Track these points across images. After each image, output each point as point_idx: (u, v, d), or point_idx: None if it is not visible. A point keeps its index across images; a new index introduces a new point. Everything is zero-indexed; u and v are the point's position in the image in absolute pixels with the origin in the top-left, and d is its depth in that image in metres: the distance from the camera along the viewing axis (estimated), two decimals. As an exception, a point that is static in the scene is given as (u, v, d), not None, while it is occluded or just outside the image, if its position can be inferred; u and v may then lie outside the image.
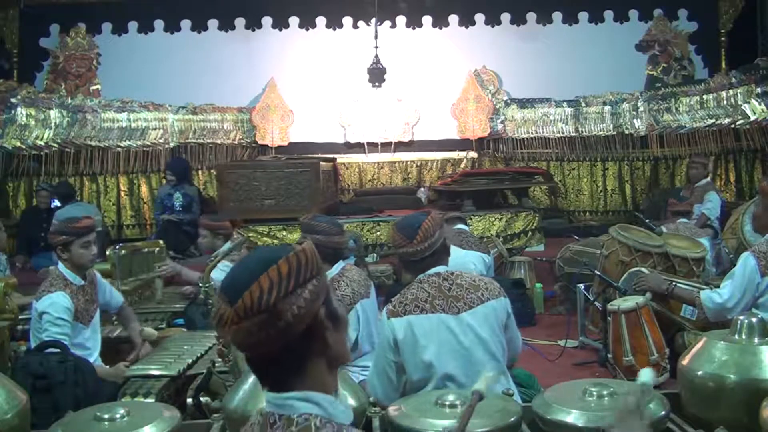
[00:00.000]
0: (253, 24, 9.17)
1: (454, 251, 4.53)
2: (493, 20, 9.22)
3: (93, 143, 8.28)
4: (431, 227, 2.54)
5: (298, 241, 5.66)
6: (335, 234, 3.39)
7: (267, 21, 9.18)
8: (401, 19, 9.20)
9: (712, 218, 6.58)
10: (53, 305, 3.32)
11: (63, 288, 3.40)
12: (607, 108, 8.74)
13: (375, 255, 6.67)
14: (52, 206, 7.24)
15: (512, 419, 2.02)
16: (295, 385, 1.23)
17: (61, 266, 3.51)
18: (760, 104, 7.93)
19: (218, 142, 8.78)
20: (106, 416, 2.00)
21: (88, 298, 3.55)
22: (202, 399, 2.59)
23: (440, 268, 2.57)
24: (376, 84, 7.99)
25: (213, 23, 9.14)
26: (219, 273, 3.28)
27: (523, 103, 8.98)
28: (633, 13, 9.17)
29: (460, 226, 5.33)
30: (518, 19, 9.22)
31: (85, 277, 3.56)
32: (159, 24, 9.13)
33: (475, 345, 2.45)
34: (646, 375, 1.69)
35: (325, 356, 1.26)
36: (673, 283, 3.95)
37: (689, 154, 8.25)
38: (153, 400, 2.84)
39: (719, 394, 2.13)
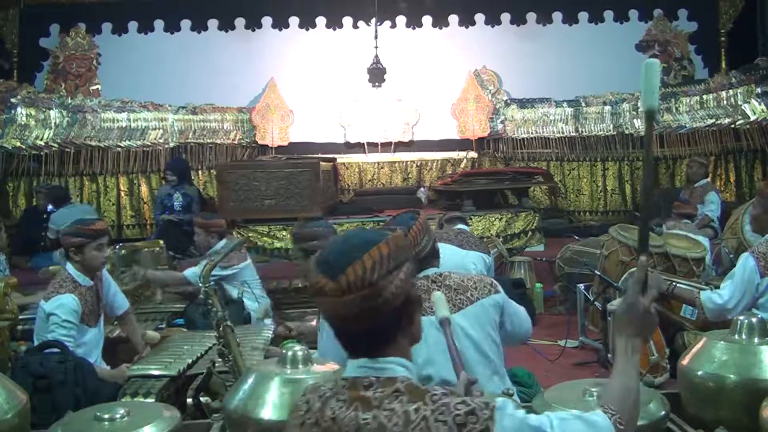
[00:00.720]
0: (253, 24, 9.17)
1: (454, 251, 4.56)
2: (493, 20, 9.23)
3: (93, 143, 8.29)
4: (417, 234, 2.51)
5: (293, 254, 5.53)
6: (330, 236, 3.38)
7: (267, 21, 9.18)
8: (401, 19, 9.20)
9: (714, 219, 6.59)
10: (61, 307, 3.32)
11: (72, 290, 3.39)
12: (607, 108, 8.75)
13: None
14: (48, 209, 7.21)
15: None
16: (388, 355, 1.35)
17: (69, 267, 3.49)
18: (760, 104, 7.93)
19: (218, 142, 8.78)
20: (106, 416, 1.99)
21: (96, 298, 3.56)
22: (202, 399, 2.59)
23: (429, 271, 2.55)
24: (376, 84, 8.00)
25: (213, 23, 9.14)
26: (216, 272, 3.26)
27: (523, 103, 8.98)
28: (633, 13, 9.18)
29: (460, 226, 5.31)
30: (518, 19, 9.23)
31: (94, 277, 3.57)
32: (159, 24, 9.13)
33: (466, 346, 2.44)
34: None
35: (410, 333, 1.38)
36: (673, 283, 3.94)
37: (689, 154, 8.26)
38: (153, 400, 2.83)
39: (719, 394, 2.13)
